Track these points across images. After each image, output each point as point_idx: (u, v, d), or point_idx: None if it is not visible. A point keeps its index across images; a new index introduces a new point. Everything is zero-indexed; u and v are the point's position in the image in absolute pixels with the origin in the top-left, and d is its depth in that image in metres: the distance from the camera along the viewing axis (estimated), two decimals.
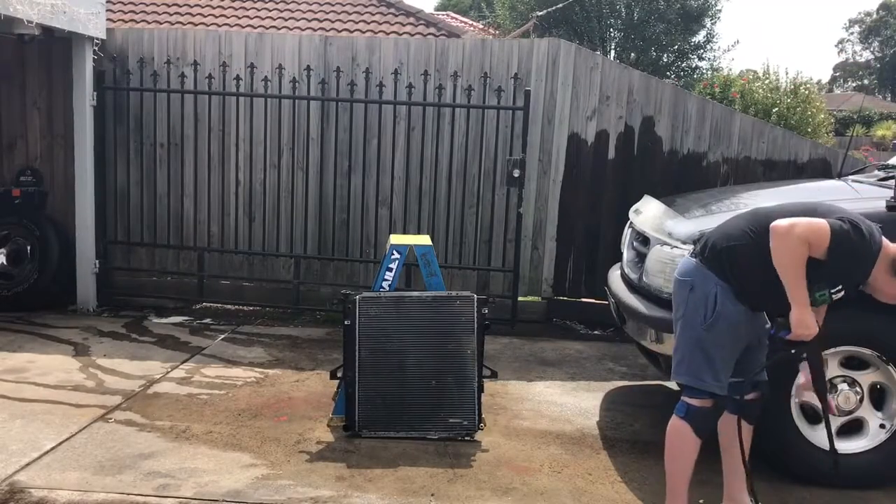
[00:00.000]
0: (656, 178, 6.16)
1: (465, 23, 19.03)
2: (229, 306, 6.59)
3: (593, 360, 5.51)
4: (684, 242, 3.61)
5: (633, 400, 4.77)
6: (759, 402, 3.09)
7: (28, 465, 3.52)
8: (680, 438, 2.95)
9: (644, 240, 4.13)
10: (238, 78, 6.31)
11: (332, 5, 12.06)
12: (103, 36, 6.16)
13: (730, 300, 2.87)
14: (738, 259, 2.89)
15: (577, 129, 6.29)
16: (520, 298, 6.33)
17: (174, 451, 3.72)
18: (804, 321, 2.74)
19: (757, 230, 2.89)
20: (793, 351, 2.84)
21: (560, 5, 17.37)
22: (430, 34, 11.10)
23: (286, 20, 11.65)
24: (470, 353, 4.01)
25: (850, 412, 3.54)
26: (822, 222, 2.72)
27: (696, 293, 2.90)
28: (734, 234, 2.95)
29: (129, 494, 3.29)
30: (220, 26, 11.05)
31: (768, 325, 2.97)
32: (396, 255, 4.13)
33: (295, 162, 6.41)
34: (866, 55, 50.44)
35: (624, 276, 4.35)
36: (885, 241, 2.83)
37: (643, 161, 6.27)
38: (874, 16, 48.48)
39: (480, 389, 4.05)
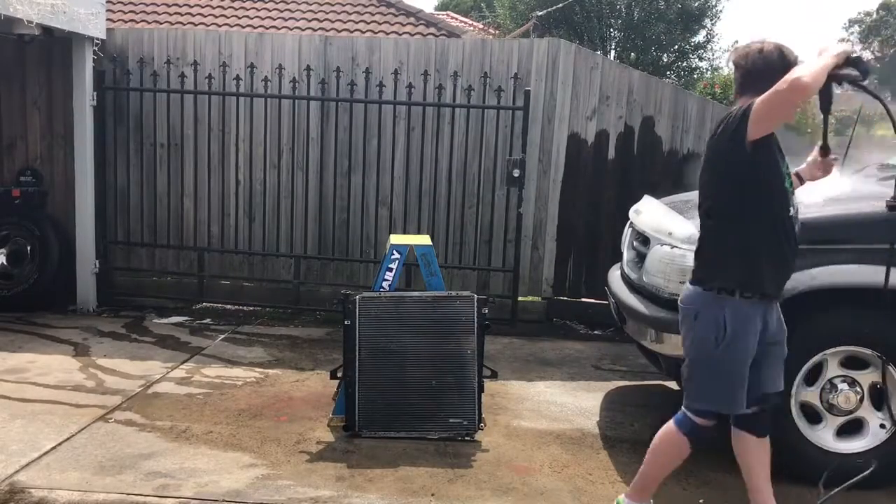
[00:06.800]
0: (656, 178, 6.16)
1: (465, 23, 19.01)
2: (229, 306, 6.59)
3: (593, 360, 5.51)
4: (684, 242, 3.61)
5: (633, 400, 4.77)
6: (765, 414, 3.04)
7: (28, 465, 3.52)
8: (676, 449, 3.00)
9: (644, 240, 4.13)
10: (238, 78, 6.31)
11: (332, 5, 12.06)
12: (103, 36, 6.16)
13: (740, 312, 2.80)
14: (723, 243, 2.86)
15: (577, 129, 6.29)
16: (520, 298, 6.33)
17: (174, 451, 3.72)
18: (837, 49, 2.69)
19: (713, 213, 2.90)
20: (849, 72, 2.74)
21: (560, 5, 17.37)
22: (430, 34, 11.10)
23: (286, 20, 11.65)
24: (470, 353, 4.01)
25: (850, 412, 3.54)
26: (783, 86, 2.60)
27: (702, 319, 2.85)
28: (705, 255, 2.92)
29: (129, 494, 3.29)
30: (220, 26, 11.05)
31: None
32: (396, 255, 4.13)
33: (295, 162, 6.41)
34: (866, 55, 50.43)
35: (624, 276, 4.35)
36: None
37: (643, 161, 6.27)
38: (874, 16, 48.41)
39: (480, 389, 4.05)
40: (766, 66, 2.77)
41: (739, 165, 2.74)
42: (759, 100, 2.66)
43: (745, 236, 2.80)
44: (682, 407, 2.98)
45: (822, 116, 2.94)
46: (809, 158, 3.17)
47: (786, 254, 2.86)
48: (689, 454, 3.00)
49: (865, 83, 2.79)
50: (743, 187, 2.78)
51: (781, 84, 2.58)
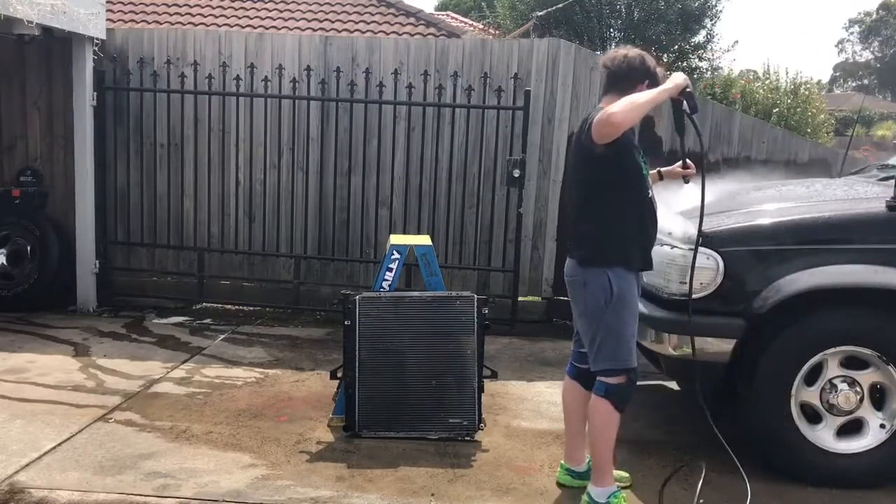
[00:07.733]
0: None
1: (465, 23, 19.00)
2: (229, 306, 6.59)
3: None
4: (684, 242, 3.62)
5: (633, 399, 4.74)
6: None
7: (28, 465, 3.52)
8: (604, 416, 3.16)
9: None
10: (238, 78, 6.31)
11: (332, 5, 12.06)
12: (103, 36, 6.17)
13: (621, 276, 3.08)
14: (596, 223, 3.14)
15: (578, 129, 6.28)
16: (520, 298, 6.34)
17: (174, 451, 3.72)
18: (673, 81, 3.08)
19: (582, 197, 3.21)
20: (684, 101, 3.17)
21: (560, 5, 17.35)
22: (430, 34, 11.09)
23: (286, 20, 11.65)
24: (470, 353, 4.01)
25: (851, 412, 3.54)
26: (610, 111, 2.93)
27: (591, 286, 3.11)
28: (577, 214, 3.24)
29: (129, 494, 3.29)
30: (220, 26, 11.05)
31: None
32: (396, 256, 4.13)
33: (295, 162, 6.41)
34: (866, 55, 50.47)
35: None
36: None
37: None
38: (874, 16, 48.45)
39: (480, 389, 4.05)
40: (628, 70, 3.13)
41: (598, 161, 3.06)
42: (595, 119, 2.94)
43: (611, 219, 3.11)
44: (596, 377, 3.20)
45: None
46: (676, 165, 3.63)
47: (648, 229, 3.18)
48: (619, 417, 3.17)
49: (695, 117, 3.19)
50: (604, 178, 3.10)
51: (603, 114, 2.90)
